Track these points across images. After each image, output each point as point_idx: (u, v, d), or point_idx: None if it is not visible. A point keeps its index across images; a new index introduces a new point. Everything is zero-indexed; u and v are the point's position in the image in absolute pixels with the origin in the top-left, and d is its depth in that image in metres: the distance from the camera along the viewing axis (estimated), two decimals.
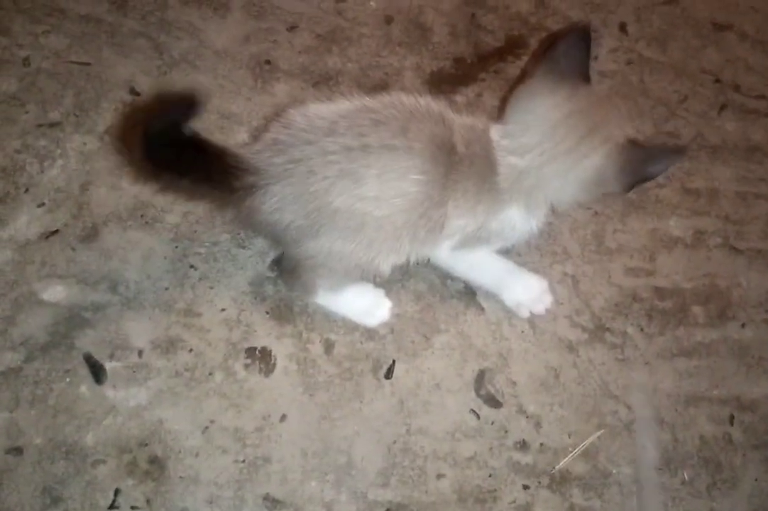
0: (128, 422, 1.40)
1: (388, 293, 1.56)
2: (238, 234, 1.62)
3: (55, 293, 1.51)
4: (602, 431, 1.50)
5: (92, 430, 1.39)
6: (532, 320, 1.60)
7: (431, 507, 1.40)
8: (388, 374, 1.49)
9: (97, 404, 1.41)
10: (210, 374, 1.45)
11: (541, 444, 1.47)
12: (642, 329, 1.62)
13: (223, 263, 1.58)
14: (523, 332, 1.59)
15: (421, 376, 1.50)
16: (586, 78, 1.21)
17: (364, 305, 1.50)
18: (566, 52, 1.19)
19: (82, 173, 1.66)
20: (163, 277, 1.55)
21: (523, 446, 1.47)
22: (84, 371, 1.43)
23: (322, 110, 1.22)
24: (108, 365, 1.44)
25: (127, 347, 1.46)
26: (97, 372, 1.43)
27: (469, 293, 1.61)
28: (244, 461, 1.39)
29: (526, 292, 1.55)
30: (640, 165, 1.16)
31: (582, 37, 1.20)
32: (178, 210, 1.63)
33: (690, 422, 1.53)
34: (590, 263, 1.68)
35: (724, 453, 1.51)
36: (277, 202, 1.24)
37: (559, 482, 1.43)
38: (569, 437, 1.48)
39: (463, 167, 1.20)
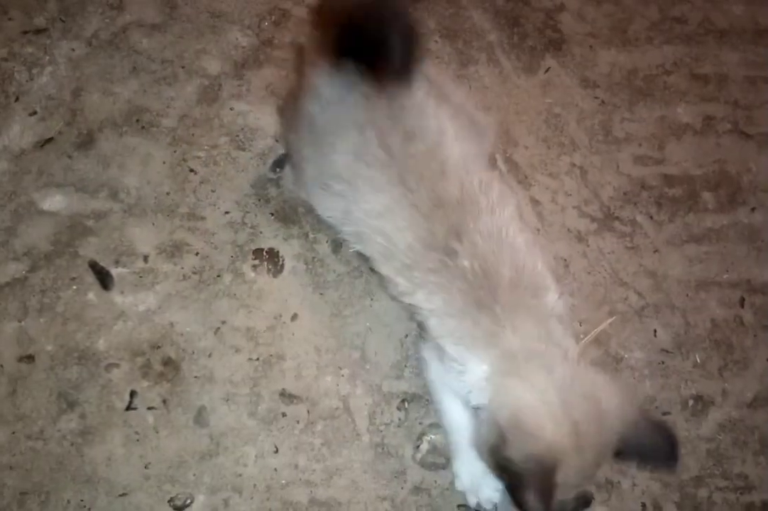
0: (139, 326, 1.33)
1: None
2: (237, 136, 1.52)
3: (55, 202, 1.43)
4: (615, 317, 1.42)
5: (103, 335, 1.33)
6: (541, 213, 1.51)
7: None
8: None
9: (106, 310, 1.34)
10: (218, 276, 1.38)
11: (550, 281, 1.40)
12: (651, 217, 1.53)
13: (224, 166, 1.49)
14: (531, 224, 1.49)
15: None
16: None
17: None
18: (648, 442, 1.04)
19: (72, 80, 1.55)
20: (164, 182, 1.46)
21: None
22: (90, 278, 1.36)
23: None
24: (114, 272, 1.37)
25: (132, 253, 1.39)
26: (103, 279, 1.35)
27: None
28: (258, 359, 1.33)
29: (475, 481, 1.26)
30: None
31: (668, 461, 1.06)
32: (173, 114, 1.52)
33: (701, 306, 1.46)
34: (598, 153, 1.58)
35: (735, 335, 1.45)
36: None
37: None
38: (580, 325, 1.42)
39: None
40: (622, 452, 1.01)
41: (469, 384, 1.07)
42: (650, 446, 1.02)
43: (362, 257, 1.26)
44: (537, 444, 0.97)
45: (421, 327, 1.17)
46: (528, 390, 1.01)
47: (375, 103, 1.09)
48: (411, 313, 1.18)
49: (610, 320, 1.40)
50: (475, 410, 1.08)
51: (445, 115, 1.13)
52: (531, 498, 0.94)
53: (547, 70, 1.65)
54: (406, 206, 1.08)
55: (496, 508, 1.24)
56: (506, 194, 1.15)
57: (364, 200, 1.12)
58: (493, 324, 1.04)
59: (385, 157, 1.08)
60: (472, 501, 1.25)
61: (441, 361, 1.12)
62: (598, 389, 1.02)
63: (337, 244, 1.42)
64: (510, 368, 1.03)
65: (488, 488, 1.22)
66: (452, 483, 1.27)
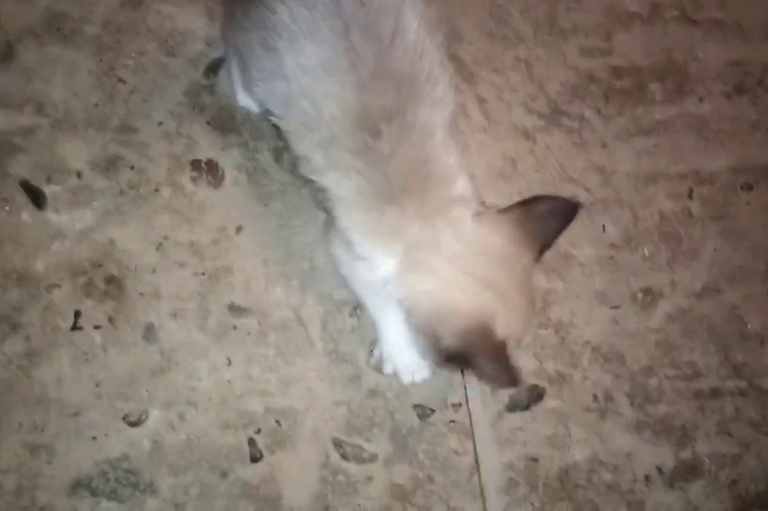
0: (77, 245, 1.28)
1: None
2: (166, 41, 1.42)
3: None
4: None
5: (41, 256, 1.27)
6: (486, 111, 1.45)
7: None
8: None
9: (42, 230, 1.28)
10: (156, 190, 1.32)
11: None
12: (599, 111, 1.49)
13: (154, 74, 1.40)
14: (478, 124, 1.44)
15: None
16: (543, 249, 1.04)
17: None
18: (542, 217, 1.03)
19: None
20: (92, 93, 1.37)
21: None
22: (22, 198, 1.29)
23: None
24: (47, 190, 1.30)
25: (64, 169, 1.31)
26: (36, 198, 1.29)
27: None
28: (204, 274, 1.29)
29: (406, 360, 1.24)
30: None
31: (566, 211, 1.03)
32: (96, 20, 1.42)
33: (649, 199, 1.45)
34: (543, 46, 1.52)
35: (684, 227, 1.44)
36: None
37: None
38: None
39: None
40: (544, 248, 1.05)
41: (379, 280, 1.04)
42: (552, 222, 1.05)
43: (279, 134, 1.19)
44: (460, 320, 0.97)
45: (329, 220, 1.12)
46: (429, 277, 1.00)
47: None
48: (319, 200, 1.12)
49: None
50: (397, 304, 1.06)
51: None
52: (488, 367, 0.96)
53: None
54: (345, 65, 0.98)
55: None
56: (449, 95, 1.07)
57: (301, 50, 1.00)
58: (399, 216, 1.00)
59: (331, 2, 0.98)
60: (388, 370, 1.27)
61: (350, 255, 1.08)
62: (495, 234, 1.03)
63: (279, 153, 1.36)
64: (412, 260, 1.01)
65: (406, 357, 1.22)
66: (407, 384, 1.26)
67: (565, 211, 1.06)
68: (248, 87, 1.23)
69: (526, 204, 1.07)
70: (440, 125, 1.04)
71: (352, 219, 1.05)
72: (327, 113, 1.00)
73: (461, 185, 1.06)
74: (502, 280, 1.00)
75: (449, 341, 0.98)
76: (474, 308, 0.99)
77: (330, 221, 1.12)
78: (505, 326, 0.99)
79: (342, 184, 1.03)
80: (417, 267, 1.02)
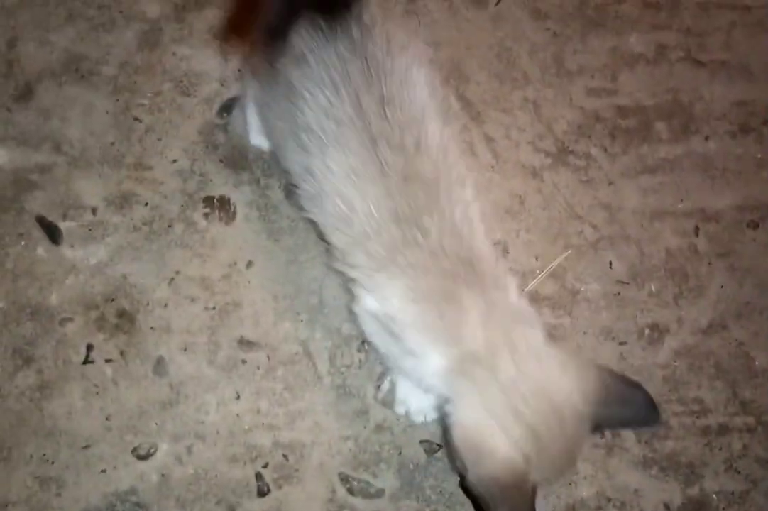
0: (91, 279, 1.31)
1: None
2: (181, 82, 1.47)
3: None
4: (569, 251, 1.42)
5: (55, 290, 1.30)
6: (495, 149, 1.48)
7: None
8: None
9: (57, 265, 1.31)
10: (169, 226, 1.35)
11: (509, 269, 1.39)
12: (605, 150, 1.51)
13: (169, 113, 1.45)
14: (486, 162, 1.47)
15: None
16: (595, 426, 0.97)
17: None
18: (624, 401, 0.97)
19: (6, 29, 1.49)
20: (108, 132, 1.42)
21: None
22: (38, 233, 1.33)
23: None
24: (63, 226, 1.34)
25: (80, 205, 1.35)
26: (52, 233, 1.32)
27: None
28: (214, 308, 1.31)
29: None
30: None
31: (645, 408, 0.98)
32: (114, 61, 1.47)
33: (656, 236, 1.46)
34: (551, 87, 1.55)
35: (690, 263, 1.45)
36: None
37: (529, 303, 1.37)
38: (536, 260, 1.41)
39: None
40: (600, 425, 0.98)
41: (425, 374, 1.03)
42: (626, 411, 0.98)
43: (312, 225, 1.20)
44: (494, 466, 0.92)
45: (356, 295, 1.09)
46: (478, 406, 0.95)
47: (351, 61, 1.02)
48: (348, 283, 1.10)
49: (564, 255, 1.40)
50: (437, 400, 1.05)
51: (428, 85, 1.06)
52: None
53: (497, 3, 1.60)
54: (374, 172, 1.00)
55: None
56: (475, 194, 1.09)
57: (330, 158, 1.03)
58: (459, 321, 0.98)
59: (357, 117, 1.00)
60: (400, 410, 1.26)
61: (396, 345, 1.05)
62: (550, 376, 0.96)
63: (290, 190, 1.39)
64: (466, 373, 0.97)
65: (419, 400, 1.22)
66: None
67: (644, 414, 0.98)
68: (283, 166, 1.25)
69: (622, 378, 1.00)
70: (477, 219, 1.05)
71: (404, 316, 1.02)
72: (361, 211, 1.01)
73: (514, 292, 1.05)
74: (548, 431, 0.92)
75: (475, 481, 0.94)
76: (512, 458, 0.91)
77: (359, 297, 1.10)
78: (538, 476, 0.93)
79: (391, 283, 1.01)
80: (469, 387, 0.98)
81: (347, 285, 1.11)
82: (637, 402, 0.98)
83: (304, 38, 1.06)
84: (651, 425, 1.06)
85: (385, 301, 1.03)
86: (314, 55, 1.05)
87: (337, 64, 1.03)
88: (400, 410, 1.27)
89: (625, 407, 0.99)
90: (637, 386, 1.00)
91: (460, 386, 0.98)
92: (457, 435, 0.97)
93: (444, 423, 1.03)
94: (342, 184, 1.03)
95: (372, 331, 1.11)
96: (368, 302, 1.06)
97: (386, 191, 1.00)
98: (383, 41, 1.05)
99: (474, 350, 0.98)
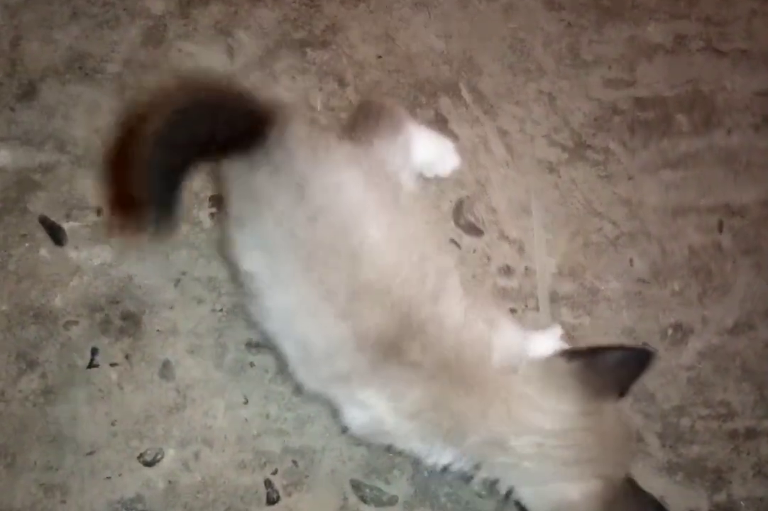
0: (95, 281, 1.30)
1: None
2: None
3: (0, 157, 1.37)
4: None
5: (59, 292, 1.29)
6: (509, 144, 1.46)
7: None
8: None
9: (61, 266, 1.30)
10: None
11: (526, 268, 1.38)
12: (624, 144, 1.49)
13: None
14: (500, 157, 1.45)
15: None
16: (620, 394, 1.03)
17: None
18: (613, 369, 1.01)
19: (10, 28, 1.48)
20: (112, 131, 1.40)
21: (507, 271, 1.38)
22: (42, 234, 1.32)
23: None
24: (66, 226, 1.33)
25: (84, 206, 1.35)
26: (55, 234, 1.31)
27: (440, 121, 1.47)
28: (221, 310, 1.30)
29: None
30: None
31: (639, 359, 1.03)
32: (118, 58, 1.46)
33: (678, 233, 1.43)
34: (566, 78, 1.53)
35: (714, 261, 1.42)
36: None
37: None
38: (554, 259, 1.38)
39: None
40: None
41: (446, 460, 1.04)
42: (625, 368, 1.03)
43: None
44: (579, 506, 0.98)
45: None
46: (525, 480, 1.00)
47: (277, 180, 0.96)
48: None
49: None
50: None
51: (358, 184, 0.99)
52: None
53: None
54: (317, 298, 0.94)
55: None
56: (446, 266, 1.05)
57: (272, 298, 0.99)
58: (456, 422, 0.98)
59: (292, 245, 0.95)
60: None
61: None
62: (566, 400, 1.02)
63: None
64: (486, 457, 1.01)
65: None
66: None
67: (638, 359, 1.04)
68: None
69: (593, 357, 1.03)
70: (455, 312, 1.02)
71: (402, 430, 1.02)
72: (318, 346, 0.98)
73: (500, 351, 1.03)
74: (599, 450, 0.99)
75: None
76: (587, 492, 0.98)
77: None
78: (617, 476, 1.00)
79: (378, 401, 1.00)
80: (506, 470, 1.01)
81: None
82: (628, 359, 1.04)
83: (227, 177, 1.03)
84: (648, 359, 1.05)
85: (376, 419, 1.02)
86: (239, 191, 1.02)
87: (264, 192, 0.98)
88: None
89: (622, 371, 1.03)
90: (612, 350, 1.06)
91: (498, 471, 1.01)
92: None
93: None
94: (293, 322, 1.00)
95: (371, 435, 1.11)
96: (357, 420, 1.05)
97: (338, 318, 0.95)
98: (306, 156, 0.99)
99: (483, 441, 0.99)
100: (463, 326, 1.00)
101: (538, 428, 0.96)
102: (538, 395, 1.00)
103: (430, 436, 1.01)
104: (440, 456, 1.03)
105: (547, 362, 1.06)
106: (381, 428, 1.01)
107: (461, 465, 1.03)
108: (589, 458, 0.97)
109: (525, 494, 1.01)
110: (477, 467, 1.02)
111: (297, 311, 0.97)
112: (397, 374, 0.96)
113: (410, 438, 1.02)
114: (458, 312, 1.01)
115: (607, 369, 1.00)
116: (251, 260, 1.01)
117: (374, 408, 0.99)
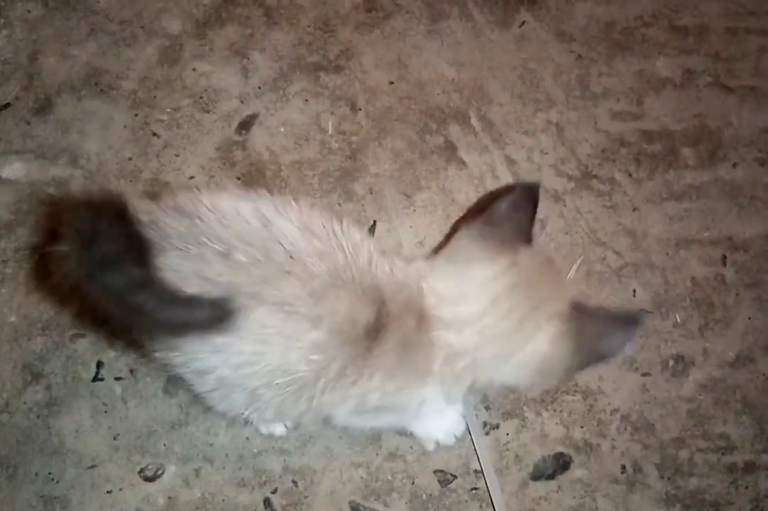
0: None
1: (364, 151, 1.46)
2: (201, 98, 1.51)
3: (14, 169, 1.42)
4: (582, 257, 1.47)
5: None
6: (516, 172, 1.51)
7: None
8: (370, 234, 1.41)
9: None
10: None
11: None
12: (630, 175, 1.53)
13: (187, 129, 1.48)
14: (506, 184, 1.49)
15: (403, 234, 1.43)
16: (527, 239, 1.00)
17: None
18: (508, 215, 1.00)
19: (29, 43, 1.54)
20: (125, 146, 1.46)
21: None
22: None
23: (240, 210, 0.92)
24: None
25: None
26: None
27: (449, 148, 1.51)
28: None
29: (438, 424, 1.29)
30: (592, 344, 0.95)
31: (527, 197, 1.01)
32: (134, 76, 1.52)
33: (681, 264, 1.47)
34: (575, 109, 1.58)
35: (717, 294, 1.46)
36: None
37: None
38: None
39: (384, 346, 0.94)
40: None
41: (451, 394, 1.05)
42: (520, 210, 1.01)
43: None
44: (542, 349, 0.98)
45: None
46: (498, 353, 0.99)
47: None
48: None
49: (579, 260, 1.40)
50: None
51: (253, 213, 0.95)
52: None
53: (521, 24, 1.64)
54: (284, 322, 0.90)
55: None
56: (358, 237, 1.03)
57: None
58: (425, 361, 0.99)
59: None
60: (430, 447, 1.28)
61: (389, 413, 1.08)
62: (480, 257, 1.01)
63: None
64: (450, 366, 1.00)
65: (441, 429, 1.26)
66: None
67: (526, 197, 1.02)
68: None
69: (484, 213, 1.02)
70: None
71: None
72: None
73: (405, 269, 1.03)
74: (536, 294, 0.97)
75: (568, 361, 0.97)
76: (552, 337, 0.97)
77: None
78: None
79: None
80: (486, 362, 1.00)
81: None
82: (518, 201, 1.02)
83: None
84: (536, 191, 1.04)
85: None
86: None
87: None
88: (431, 446, 1.29)
89: (518, 215, 1.02)
90: (500, 196, 1.03)
91: (469, 377, 1.01)
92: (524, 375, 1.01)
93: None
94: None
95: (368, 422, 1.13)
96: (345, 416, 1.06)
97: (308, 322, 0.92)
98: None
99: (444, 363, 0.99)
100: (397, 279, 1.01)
101: (469, 314, 0.96)
102: (456, 282, 0.99)
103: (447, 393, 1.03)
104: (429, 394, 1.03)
105: (448, 248, 1.06)
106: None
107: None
108: (532, 307, 0.96)
109: (504, 377, 1.00)
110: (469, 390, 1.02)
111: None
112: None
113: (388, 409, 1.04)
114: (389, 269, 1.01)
115: (502, 217, 1.00)
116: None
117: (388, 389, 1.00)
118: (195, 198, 0.92)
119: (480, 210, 1.04)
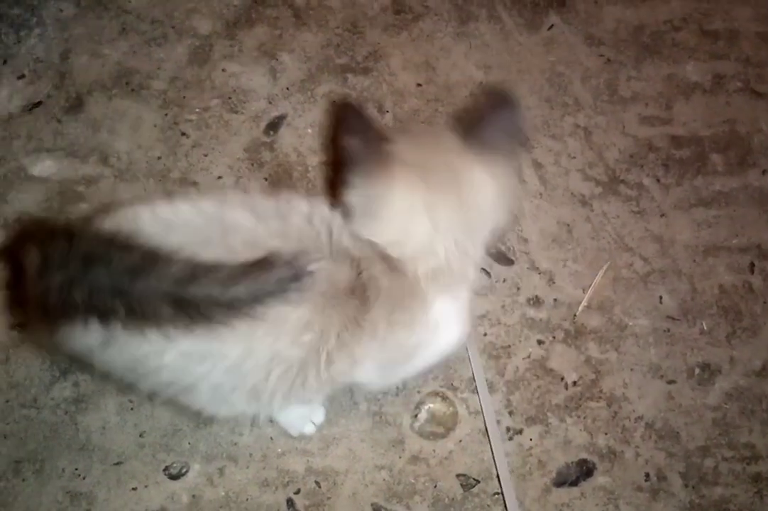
0: None
1: None
2: (230, 98, 1.52)
3: (45, 167, 1.44)
4: (609, 262, 1.47)
5: None
6: (543, 176, 1.51)
7: None
8: None
9: None
10: None
11: (555, 299, 1.42)
12: (658, 180, 1.53)
13: (216, 129, 1.50)
14: (533, 188, 1.49)
15: None
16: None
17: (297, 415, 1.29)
18: (500, 138, 1.00)
19: (60, 41, 1.56)
20: (155, 146, 1.47)
21: (536, 302, 1.42)
22: None
23: (183, 213, 0.91)
24: None
25: None
26: None
27: None
28: None
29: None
30: (500, 141, 0.99)
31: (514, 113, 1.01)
32: (164, 75, 1.53)
33: (708, 271, 1.47)
34: (603, 114, 1.58)
35: (744, 301, 1.46)
36: None
37: (575, 336, 1.39)
38: (583, 292, 1.42)
39: (372, 297, 0.94)
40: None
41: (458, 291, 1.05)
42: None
43: None
44: None
45: None
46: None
47: None
48: None
49: (605, 266, 1.41)
50: None
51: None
52: None
53: (550, 27, 1.65)
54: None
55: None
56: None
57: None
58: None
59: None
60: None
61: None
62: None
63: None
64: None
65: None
66: (451, 452, 1.29)
67: (509, 117, 1.01)
68: None
69: (475, 133, 1.00)
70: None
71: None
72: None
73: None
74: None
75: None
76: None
77: None
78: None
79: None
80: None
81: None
82: (503, 121, 1.01)
83: None
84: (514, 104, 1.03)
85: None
86: None
87: None
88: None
89: (504, 135, 1.01)
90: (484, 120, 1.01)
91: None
92: None
93: None
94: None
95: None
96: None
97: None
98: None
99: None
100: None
101: (420, 234, 0.97)
102: (385, 223, 0.97)
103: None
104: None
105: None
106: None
107: None
108: (454, 180, 0.97)
109: (484, 230, 1.02)
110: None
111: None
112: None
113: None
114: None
115: (493, 140, 1.00)
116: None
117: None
118: (132, 214, 0.90)
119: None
